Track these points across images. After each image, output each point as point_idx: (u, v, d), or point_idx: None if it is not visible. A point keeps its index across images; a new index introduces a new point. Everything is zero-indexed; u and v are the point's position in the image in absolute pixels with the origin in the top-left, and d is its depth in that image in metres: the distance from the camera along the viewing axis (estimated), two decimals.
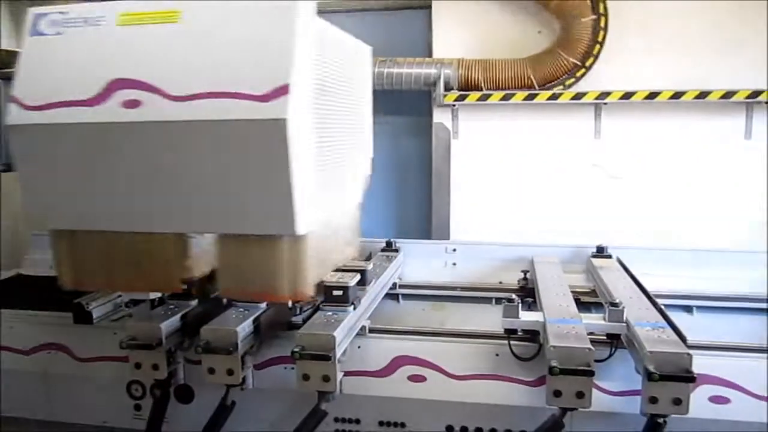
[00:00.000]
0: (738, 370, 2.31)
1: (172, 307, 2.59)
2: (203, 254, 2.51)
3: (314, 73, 2.26)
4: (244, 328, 2.38)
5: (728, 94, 5.40)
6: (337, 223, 2.73)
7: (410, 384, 2.49)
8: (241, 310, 2.52)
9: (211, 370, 2.35)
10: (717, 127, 5.67)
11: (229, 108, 2.08)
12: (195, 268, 2.51)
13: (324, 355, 2.21)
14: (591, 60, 5.55)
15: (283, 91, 2.05)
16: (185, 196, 2.23)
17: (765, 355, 2.38)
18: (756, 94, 5.37)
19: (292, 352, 2.22)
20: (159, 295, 2.70)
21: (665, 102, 5.49)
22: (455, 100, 5.70)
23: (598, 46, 5.52)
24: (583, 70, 5.58)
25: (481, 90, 5.67)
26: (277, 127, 2.04)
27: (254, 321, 2.46)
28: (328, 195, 2.49)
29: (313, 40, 2.24)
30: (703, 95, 5.42)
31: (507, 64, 5.67)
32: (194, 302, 2.62)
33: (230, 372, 2.34)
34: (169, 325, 2.45)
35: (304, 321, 2.49)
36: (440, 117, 5.98)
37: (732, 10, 5.52)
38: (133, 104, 2.16)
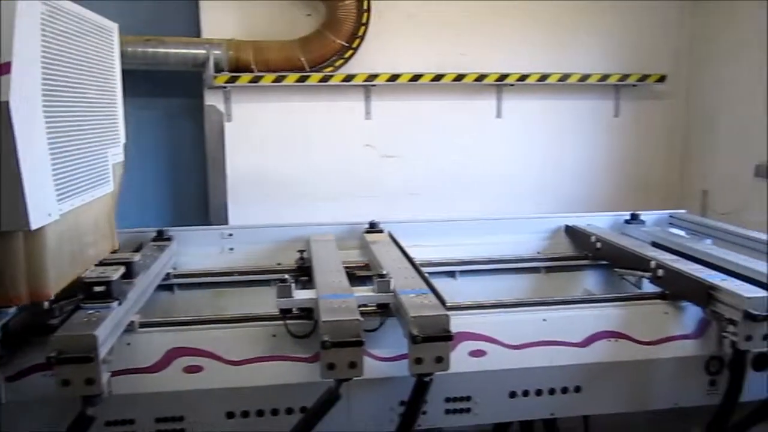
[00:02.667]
0: (491, 325, 2.55)
1: None
2: None
3: (42, 52, 2.09)
4: None
5: (480, 78, 5.93)
6: (85, 216, 2.56)
7: (186, 376, 2.40)
8: None
9: None
10: (473, 107, 6.20)
11: None
12: None
13: (85, 357, 2.05)
14: (358, 41, 5.73)
15: (3, 70, 1.87)
16: None
17: (514, 309, 2.68)
18: (503, 77, 5.95)
19: (48, 358, 2.03)
20: None
21: (428, 84, 5.88)
22: (226, 82, 5.59)
23: (363, 28, 5.71)
24: (351, 51, 5.75)
25: (253, 72, 5.60)
26: None
27: (2, 328, 2.20)
28: (69, 185, 2.32)
29: (40, 17, 2.07)
30: (459, 78, 5.88)
31: (278, 45, 5.67)
32: None
33: None
34: None
35: (63, 322, 2.28)
36: (212, 99, 5.82)
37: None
38: None
